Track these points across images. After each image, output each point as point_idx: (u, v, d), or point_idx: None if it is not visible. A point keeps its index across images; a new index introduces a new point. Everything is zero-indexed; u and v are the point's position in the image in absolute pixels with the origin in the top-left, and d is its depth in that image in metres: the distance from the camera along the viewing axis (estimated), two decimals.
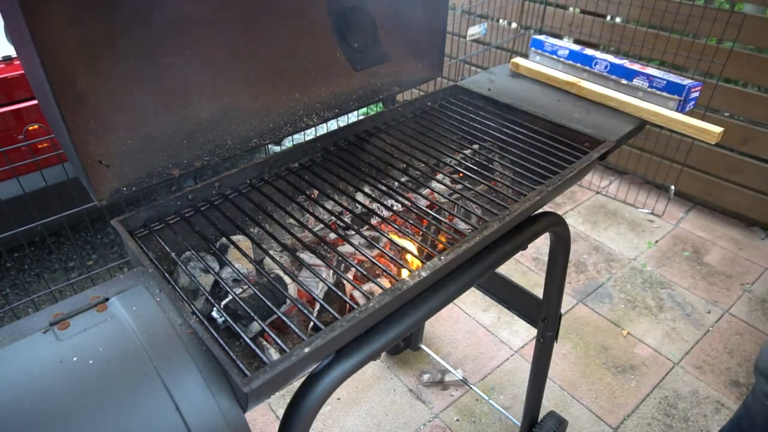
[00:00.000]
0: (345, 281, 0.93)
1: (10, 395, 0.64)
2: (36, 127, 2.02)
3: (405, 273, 0.85)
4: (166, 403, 0.65)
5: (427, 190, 1.16)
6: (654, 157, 3.10)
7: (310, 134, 1.52)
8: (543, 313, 1.53)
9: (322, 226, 1.05)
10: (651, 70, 1.39)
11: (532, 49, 1.61)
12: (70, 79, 0.85)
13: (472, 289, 1.15)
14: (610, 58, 1.45)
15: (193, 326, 0.73)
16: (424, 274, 0.83)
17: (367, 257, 0.93)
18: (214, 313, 0.85)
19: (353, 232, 1.04)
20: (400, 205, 1.10)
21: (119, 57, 0.90)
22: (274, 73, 1.16)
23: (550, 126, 1.29)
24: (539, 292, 1.54)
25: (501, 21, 3.65)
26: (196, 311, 0.77)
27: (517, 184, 1.14)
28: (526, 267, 2.70)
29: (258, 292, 0.83)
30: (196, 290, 0.90)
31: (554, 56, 1.55)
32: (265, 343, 0.86)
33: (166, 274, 0.83)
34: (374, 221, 1.09)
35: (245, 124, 1.13)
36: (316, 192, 1.15)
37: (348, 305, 0.85)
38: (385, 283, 0.97)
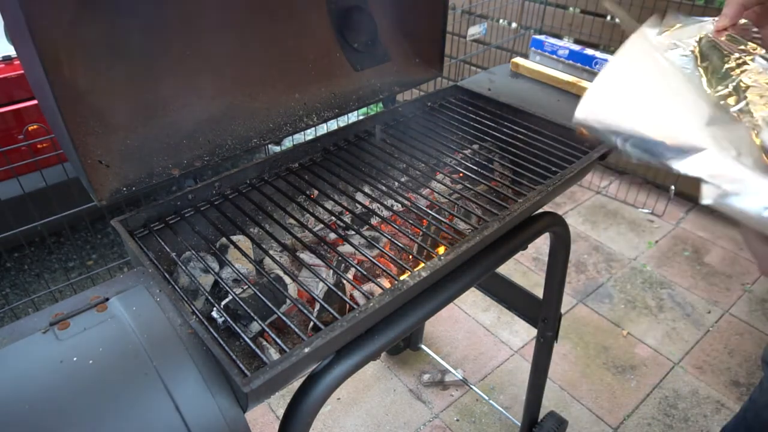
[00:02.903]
0: (345, 281, 0.93)
1: (10, 395, 0.64)
2: (36, 127, 2.02)
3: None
4: (166, 403, 0.65)
5: (427, 190, 1.16)
6: None
7: (310, 134, 1.52)
8: (543, 313, 1.53)
9: (322, 226, 1.05)
10: None
11: (532, 49, 1.61)
12: (70, 79, 0.85)
13: (472, 289, 1.15)
14: (611, 58, 1.45)
15: (193, 326, 0.73)
16: (424, 274, 0.83)
17: (367, 257, 0.93)
18: (214, 313, 0.85)
19: (353, 232, 1.04)
20: (400, 205, 1.10)
21: (119, 57, 0.91)
22: (274, 73, 1.16)
23: (550, 126, 1.29)
24: (539, 292, 1.53)
25: (501, 21, 3.65)
26: (196, 311, 0.77)
27: (517, 184, 1.14)
28: (526, 267, 2.70)
29: (258, 292, 0.83)
30: (196, 290, 0.90)
31: (554, 56, 1.55)
32: (265, 343, 0.86)
33: (166, 274, 0.83)
34: (374, 221, 1.09)
35: (245, 124, 1.13)
36: (316, 192, 1.15)
37: (348, 305, 0.85)
38: (385, 283, 0.97)
